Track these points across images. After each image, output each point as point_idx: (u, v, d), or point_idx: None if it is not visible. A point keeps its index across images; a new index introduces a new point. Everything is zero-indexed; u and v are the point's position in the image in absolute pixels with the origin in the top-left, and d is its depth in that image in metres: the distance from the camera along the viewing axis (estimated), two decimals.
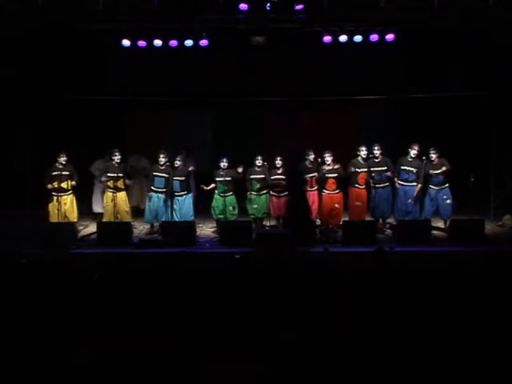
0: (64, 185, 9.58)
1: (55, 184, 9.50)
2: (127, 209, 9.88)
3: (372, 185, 9.56)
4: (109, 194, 9.71)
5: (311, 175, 9.64)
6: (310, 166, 9.65)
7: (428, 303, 4.89)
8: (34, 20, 9.51)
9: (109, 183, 9.72)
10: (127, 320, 4.59)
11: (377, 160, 9.58)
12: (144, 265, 7.14)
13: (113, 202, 9.55)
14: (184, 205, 9.71)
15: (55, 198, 9.55)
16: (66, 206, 9.63)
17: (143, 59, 10.59)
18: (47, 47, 10.22)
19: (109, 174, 9.70)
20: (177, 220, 9.63)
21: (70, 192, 9.69)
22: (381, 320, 4.55)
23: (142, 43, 10.05)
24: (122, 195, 9.79)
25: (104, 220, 9.86)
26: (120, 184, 9.75)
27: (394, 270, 5.97)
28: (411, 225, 9.32)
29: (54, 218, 9.53)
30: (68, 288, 5.42)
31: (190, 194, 9.81)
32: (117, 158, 9.69)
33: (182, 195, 9.68)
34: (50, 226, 9.33)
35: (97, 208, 10.53)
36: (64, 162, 9.59)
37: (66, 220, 9.58)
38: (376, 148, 9.56)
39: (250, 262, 6.51)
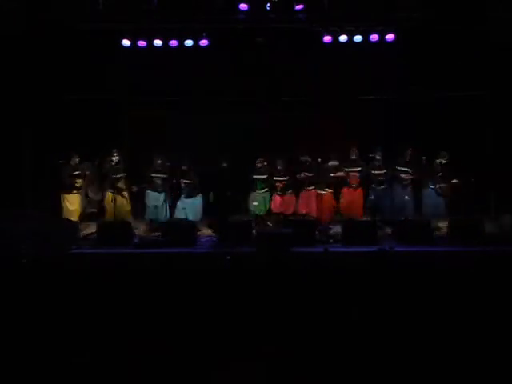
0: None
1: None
2: (128, 209, 9.88)
3: (371, 185, 9.78)
4: (109, 194, 9.72)
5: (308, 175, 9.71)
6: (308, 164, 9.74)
7: (428, 303, 4.89)
8: (34, 20, 9.51)
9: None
10: (128, 320, 4.59)
11: (377, 162, 9.78)
12: (144, 265, 7.15)
13: (113, 202, 9.58)
14: (193, 206, 9.73)
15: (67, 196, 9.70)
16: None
17: (143, 59, 10.59)
18: (47, 47, 10.20)
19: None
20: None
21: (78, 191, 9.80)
22: (381, 320, 4.55)
23: (141, 43, 10.06)
24: (122, 195, 9.80)
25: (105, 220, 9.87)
26: (120, 184, 9.75)
27: (394, 270, 5.98)
28: (411, 225, 9.32)
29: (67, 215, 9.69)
30: (68, 288, 5.43)
31: (199, 196, 9.82)
32: (115, 158, 9.70)
33: (190, 197, 9.72)
34: (50, 226, 9.32)
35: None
36: (75, 163, 9.69)
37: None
38: (378, 149, 9.78)
39: (244, 262, 6.52)
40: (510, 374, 3.84)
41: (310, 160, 9.84)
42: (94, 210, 10.51)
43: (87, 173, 10.59)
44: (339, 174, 9.84)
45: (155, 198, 9.70)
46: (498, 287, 5.36)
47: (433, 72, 10.83)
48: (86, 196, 10.61)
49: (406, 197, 9.69)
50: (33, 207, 10.00)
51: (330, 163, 9.88)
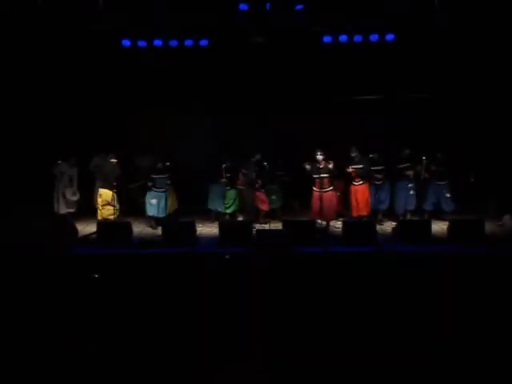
0: None
1: None
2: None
3: (372, 181, 10.12)
4: (112, 194, 9.78)
5: (323, 176, 9.58)
6: (321, 166, 9.57)
7: (428, 303, 4.90)
8: (34, 20, 9.51)
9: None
10: (128, 320, 4.59)
11: (376, 159, 10.07)
12: (144, 265, 7.16)
13: (112, 201, 9.66)
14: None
15: None
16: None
17: (143, 59, 10.59)
18: (46, 47, 10.20)
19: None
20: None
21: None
22: (381, 319, 4.56)
23: (141, 43, 10.08)
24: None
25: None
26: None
27: (394, 270, 5.99)
28: (411, 224, 9.33)
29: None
30: (68, 288, 5.43)
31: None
32: (113, 160, 9.81)
33: None
34: (50, 225, 9.32)
35: None
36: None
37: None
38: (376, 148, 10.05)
39: (243, 261, 6.53)
40: (509, 373, 3.84)
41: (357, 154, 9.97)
42: (72, 210, 10.54)
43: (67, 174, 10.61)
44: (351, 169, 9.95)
45: (156, 196, 9.81)
46: (498, 287, 5.36)
47: (432, 72, 10.87)
48: (63, 197, 10.57)
49: (411, 192, 10.10)
50: (33, 206, 10.03)
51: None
